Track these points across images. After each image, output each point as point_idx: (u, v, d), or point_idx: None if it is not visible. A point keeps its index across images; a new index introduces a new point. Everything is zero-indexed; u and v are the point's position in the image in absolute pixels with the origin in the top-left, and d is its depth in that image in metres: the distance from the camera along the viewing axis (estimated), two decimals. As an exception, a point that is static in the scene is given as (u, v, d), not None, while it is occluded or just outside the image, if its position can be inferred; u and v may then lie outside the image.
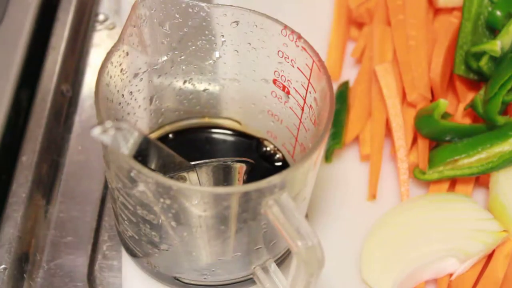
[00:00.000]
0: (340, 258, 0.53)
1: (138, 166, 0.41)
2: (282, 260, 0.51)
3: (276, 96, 0.51)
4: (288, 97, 0.50)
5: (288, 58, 0.48)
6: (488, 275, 0.51)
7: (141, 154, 0.43)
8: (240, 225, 0.44)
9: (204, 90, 0.54)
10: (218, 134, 0.56)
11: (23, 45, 0.60)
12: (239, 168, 0.51)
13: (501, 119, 0.54)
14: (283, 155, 0.54)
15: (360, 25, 0.64)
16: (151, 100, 0.52)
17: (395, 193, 0.57)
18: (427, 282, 0.52)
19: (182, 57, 0.50)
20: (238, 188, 0.47)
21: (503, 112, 0.56)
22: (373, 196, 0.56)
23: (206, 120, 0.56)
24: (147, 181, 0.41)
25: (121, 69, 0.46)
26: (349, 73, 0.62)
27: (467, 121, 0.58)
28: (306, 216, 0.54)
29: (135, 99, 0.50)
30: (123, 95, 0.48)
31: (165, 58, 0.50)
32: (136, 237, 0.48)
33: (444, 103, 0.56)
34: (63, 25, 0.64)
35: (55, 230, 0.55)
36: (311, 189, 0.48)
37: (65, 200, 0.56)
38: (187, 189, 0.42)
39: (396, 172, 0.57)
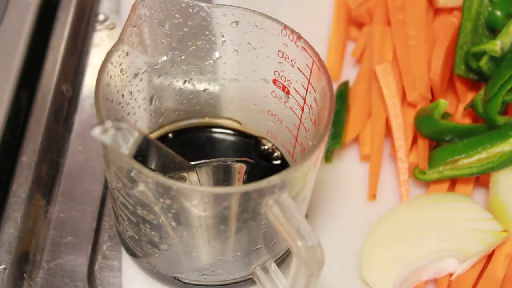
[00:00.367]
0: (340, 258, 0.53)
1: (138, 166, 0.41)
2: (282, 260, 0.51)
3: (276, 96, 0.51)
4: (288, 97, 0.50)
5: (288, 58, 0.48)
6: (488, 275, 0.51)
7: (141, 154, 0.43)
8: (240, 225, 0.44)
9: (204, 90, 0.54)
10: (218, 134, 0.56)
11: (23, 45, 0.60)
12: (239, 168, 0.51)
13: (501, 119, 0.54)
14: (283, 155, 0.54)
15: (360, 25, 0.64)
16: (151, 100, 0.52)
17: (395, 193, 0.57)
18: (427, 282, 0.52)
19: (182, 57, 0.50)
20: (238, 188, 0.47)
21: (503, 112, 0.56)
22: (373, 196, 0.56)
23: (206, 120, 0.56)
24: (147, 181, 0.41)
25: (121, 69, 0.46)
26: (349, 73, 0.62)
27: (467, 121, 0.58)
28: (306, 216, 0.54)
29: (135, 99, 0.50)
30: (123, 95, 0.48)
31: (165, 58, 0.50)
32: (136, 237, 0.48)
33: (444, 103, 0.56)
34: (63, 25, 0.64)
35: (55, 230, 0.55)
36: (311, 189, 0.48)
37: (65, 200, 0.56)
38: (187, 189, 0.42)
39: (396, 172, 0.57)
